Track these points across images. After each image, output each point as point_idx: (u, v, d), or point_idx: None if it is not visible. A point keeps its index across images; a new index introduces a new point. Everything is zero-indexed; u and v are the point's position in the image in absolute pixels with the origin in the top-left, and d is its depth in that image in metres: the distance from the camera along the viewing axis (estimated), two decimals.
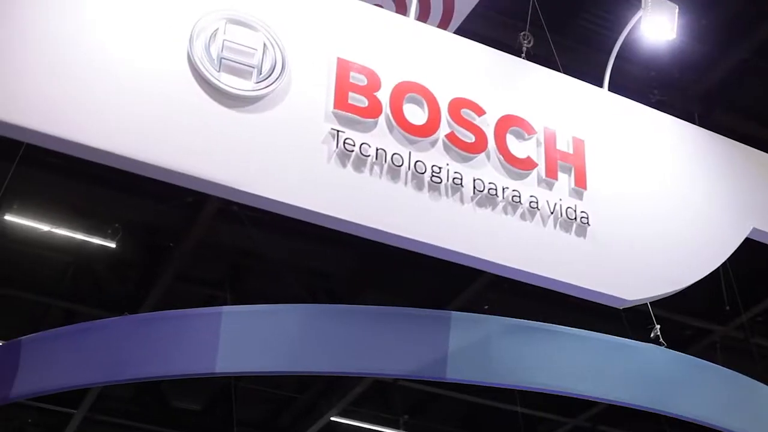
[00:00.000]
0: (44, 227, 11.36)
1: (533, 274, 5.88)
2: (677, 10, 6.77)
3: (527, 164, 6.02)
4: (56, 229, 11.37)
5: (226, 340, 6.57)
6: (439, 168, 5.72)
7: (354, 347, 6.67)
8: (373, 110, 5.67)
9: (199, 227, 10.89)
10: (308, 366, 7.00)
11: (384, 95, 5.73)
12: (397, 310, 7.14)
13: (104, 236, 11.45)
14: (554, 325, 6.98)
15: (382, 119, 5.68)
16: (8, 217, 11.06)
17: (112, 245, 11.52)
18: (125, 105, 5.06)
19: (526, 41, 7.33)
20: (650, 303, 6.53)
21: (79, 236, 11.51)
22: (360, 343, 6.65)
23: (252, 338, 6.71)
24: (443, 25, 7.78)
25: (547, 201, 5.98)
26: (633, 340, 6.96)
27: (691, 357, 7.10)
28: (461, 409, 15.34)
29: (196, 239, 11.11)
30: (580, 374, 6.67)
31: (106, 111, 5.02)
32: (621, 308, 6.36)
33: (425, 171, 5.67)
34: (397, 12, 7.42)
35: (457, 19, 7.87)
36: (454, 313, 6.93)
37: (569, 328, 6.97)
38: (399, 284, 11.98)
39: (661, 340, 6.97)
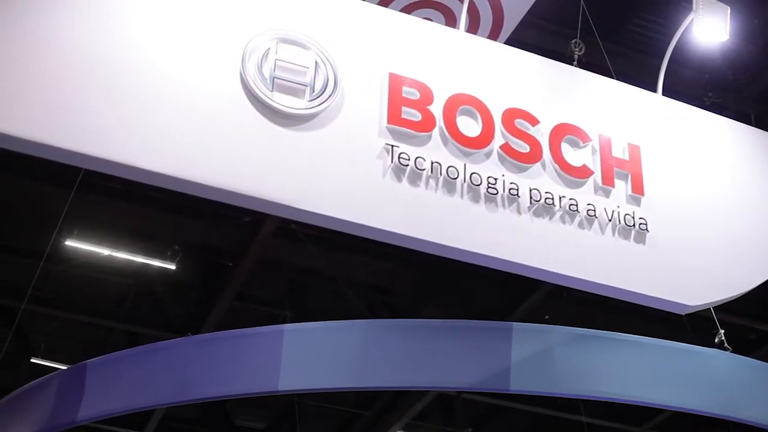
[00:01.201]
0: (104, 251, 11.49)
1: (594, 282, 5.84)
2: (729, 11, 6.71)
3: (583, 172, 5.98)
4: (116, 252, 11.50)
5: (288, 358, 6.61)
6: (495, 179, 5.70)
7: (417, 361, 6.67)
8: (427, 124, 5.66)
9: (258, 246, 10.95)
10: (371, 381, 7.02)
11: (437, 108, 5.73)
12: (458, 323, 7.15)
13: (164, 258, 11.56)
14: (616, 332, 6.95)
15: (436, 132, 5.68)
16: (69, 243, 11.19)
17: (172, 267, 11.62)
18: (180, 127, 5.10)
19: (577, 49, 7.30)
20: (713, 308, 6.47)
21: (139, 259, 11.63)
22: (423, 357, 6.66)
23: (314, 355, 6.74)
24: (493, 35, 7.78)
25: (605, 208, 5.95)
26: (697, 346, 6.91)
27: (757, 361, 7.04)
28: (525, 421, 15.28)
29: (255, 258, 11.17)
30: (644, 382, 6.63)
31: (162, 134, 5.06)
32: (683, 314, 6.29)
33: (481, 183, 5.66)
34: (446, 25, 7.44)
35: (507, 29, 7.86)
36: (515, 324, 6.93)
37: (632, 335, 6.93)
38: (459, 297, 11.96)
39: (725, 345, 6.91)
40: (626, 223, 5.95)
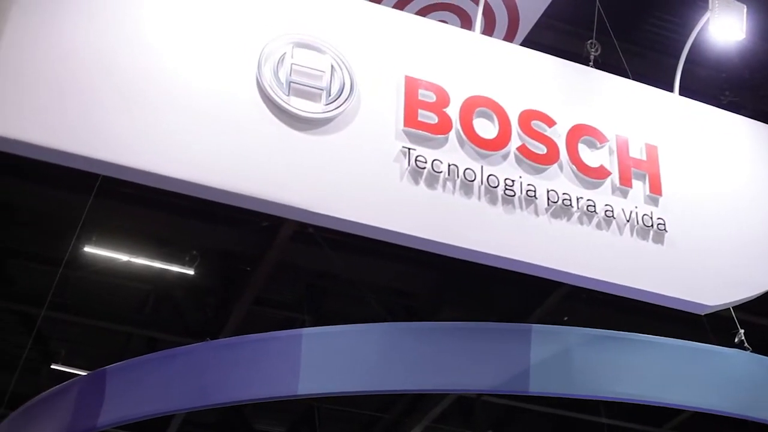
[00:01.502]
0: (123, 257, 11.52)
1: (612, 283, 5.83)
2: (745, 10, 6.69)
3: (601, 173, 5.97)
4: (135, 258, 11.54)
5: (307, 361, 6.61)
6: (512, 181, 5.70)
7: (436, 364, 6.67)
8: (444, 126, 5.66)
9: (276, 251, 10.97)
10: (391, 385, 7.01)
11: (453, 111, 5.73)
12: (477, 326, 7.14)
13: (182, 264, 11.59)
14: (635, 333, 6.93)
15: (452, 135, 5.68)
16: (87, 249, 11.23)
17: (191, 272, 11.65)
18: (197, 132, 5.11)
19: (593, 49, 7.29)
20: (732, 307, 6.44)
21: (158, 265, 11.66)
22: (442, 359, 6.65)
23: (333, 359, 6.74)
24: (509, 37, 7.78)
25: (623, 209, 5.93)
26: (717, 346, 6.89)
27: None
28: (545, 423, 15.26)
29: (273, 263, 11.19)
30: (663, 382, 6.61)
31: (179, 139, 5.07)
32: (703, 314, 6.28)
33: (498, 185, 5.65)
34: (462, 27, 7.44)
35: (523, 30, 7.86)
36: (534, 326, 6.91)
37: (651, 336, 6.91)
38: (477, 299, 11.96)
39: (745, 344, 6.88)
40: (644, 224, 5.94)
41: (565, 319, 11.40)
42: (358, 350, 6.72)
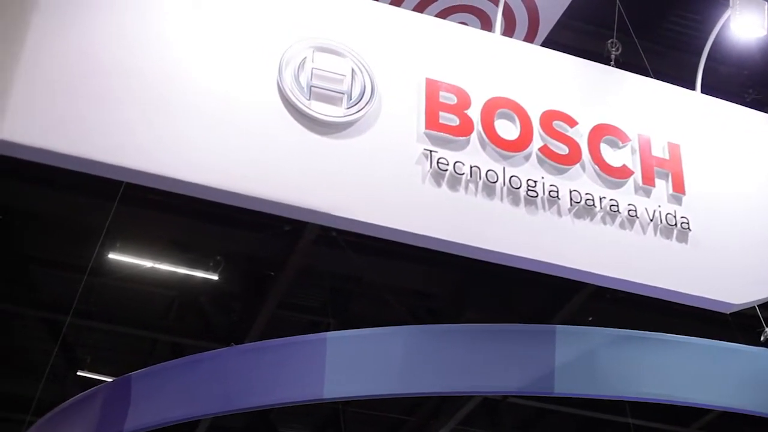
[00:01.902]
0: (147, 263, 11.56)
1: (636, 282, 5.81)
2: (766, 6, 6.66)
3: (623, 173, 5.95)
4: (159, 264, 11.57)
5: (332, 365, 6.63)
6: (535, 182, 5.68)
7: (461, 366, 6.67)
8: (465, 128, 5.65)
9: (299, 255, 10.98)
10: (417, 387, 7.02)
11: (474, 112, 5.72)
12: (501, 327, 7.15)
13: (207, 269, 11.63)
14: (661, 333, 6.91)
15: (474, 137, 5.67)
16: (112, 256, 11.28)
17: (215, 277, 11.68)
18: (219, 138, 5.12)
19: (614, 49, 7.28)
20: (758, 306, 6.41)
21: (182, 270, 11.70)
22: (467, 361, 6.66)
23: (358, 362, 6.76)
24: (529, 38, 7.77)
25: (646, 208, 5.91)
26: (743, 345, 6.86)
27: None
28: (571, 424, 15.22)
29: (297, 267, 11.21)
30: (690, 382, 6.60)
31: (200, 145, 5.08)
32: (728, 313, 6.25)
33: (520, 186, 5.64)
34: (482, 29, 7.43)
35: (543, 31, 7.84)
36: (558, 326, 6.92)
37: (676, 335, 6.90)
38: (501, 301, 11.94)
39: None
40: (668, 223, 5.91)
41: (590, 319, 11.39)
42: (382, 353, 6.74)
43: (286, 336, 7.32)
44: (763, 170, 6.46)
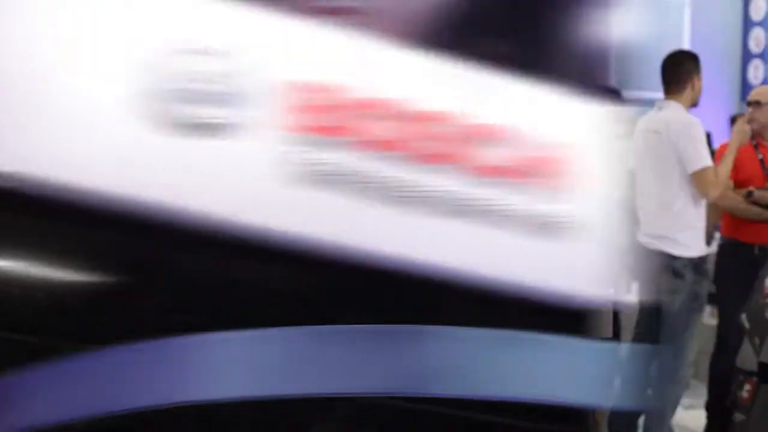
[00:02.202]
0: None
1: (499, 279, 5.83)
2: None
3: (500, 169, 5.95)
4: None
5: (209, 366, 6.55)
6: (406, 180, 5.69)
7: (335, 368, 6.64)
8: (338, 129, 5.64)
9: None
10: (293, 389, 6.98)
11: (347, 113, 5.70)
12: (376, 328, 7.12)
13: None
14: (535, 332, 6.94)
15: (346, 138, 5.65)
16: None
17: None
18: (75, 138, 5.09)
19: None
20: None
21: None
22: (341, 363, 6.63)
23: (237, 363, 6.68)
24: None
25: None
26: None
27: None
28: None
29: None
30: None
31: (55, 144, 5.04)
32: None
33: (393, 185, 5.63)
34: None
35: None
36: (431, 327, 6.90)
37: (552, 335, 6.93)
38: None
39: None
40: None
41: None
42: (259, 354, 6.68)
43: None
44: None
